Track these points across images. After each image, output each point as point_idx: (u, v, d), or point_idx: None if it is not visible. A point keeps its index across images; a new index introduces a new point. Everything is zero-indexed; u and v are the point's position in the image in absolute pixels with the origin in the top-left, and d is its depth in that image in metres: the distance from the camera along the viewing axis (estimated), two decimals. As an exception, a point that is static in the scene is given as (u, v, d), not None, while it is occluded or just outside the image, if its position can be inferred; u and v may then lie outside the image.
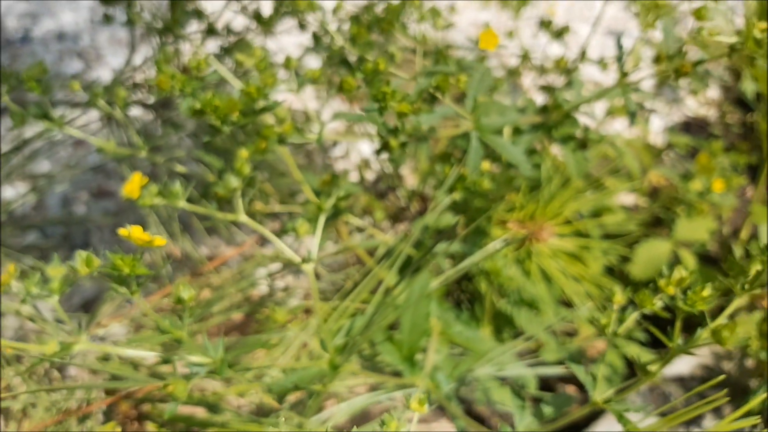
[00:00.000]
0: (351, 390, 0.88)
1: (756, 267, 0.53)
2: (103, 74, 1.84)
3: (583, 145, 0.89)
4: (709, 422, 1.15)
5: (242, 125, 0.63)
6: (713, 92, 2.08)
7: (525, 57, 1.34)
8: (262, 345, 0.60)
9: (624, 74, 0.79)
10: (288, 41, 1.55)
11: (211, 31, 0.90)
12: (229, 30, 0.91)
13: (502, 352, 0.92)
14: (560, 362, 1.27)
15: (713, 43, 0.69)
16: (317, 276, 1.30)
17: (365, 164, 1.44)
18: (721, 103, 1.99)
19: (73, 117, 1.14)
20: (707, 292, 0.48)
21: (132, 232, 0.47)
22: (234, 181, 0.62)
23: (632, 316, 0.55)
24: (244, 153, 0.64)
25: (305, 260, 0.64)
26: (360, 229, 1.08)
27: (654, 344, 1.43)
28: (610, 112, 1.18)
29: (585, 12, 2.41)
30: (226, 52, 0.96)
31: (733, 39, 0.65)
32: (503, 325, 1.18)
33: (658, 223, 1.51)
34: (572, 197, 1.21)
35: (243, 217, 0.64)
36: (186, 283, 0.49)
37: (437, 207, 0.92)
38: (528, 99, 0.95)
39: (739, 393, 1.22)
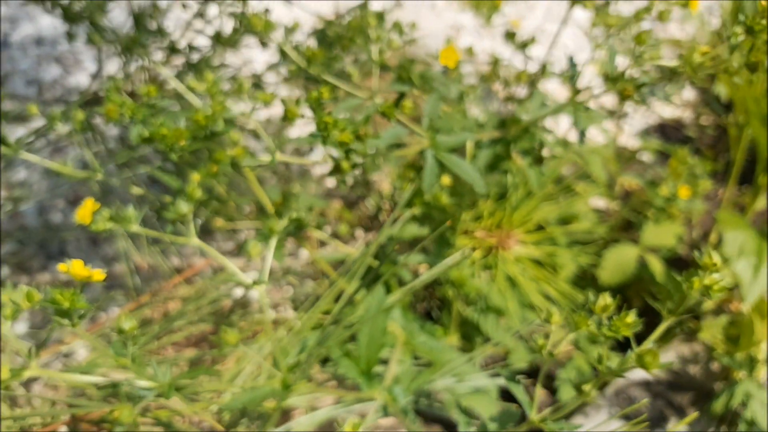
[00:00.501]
0: (315, 401, 0.90)
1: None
2: (81, 80, 1.84)
3: (539, 159, 0.91)
4: (672, 426, 1.17)
5: (193, 151, 0.64)
6: (689, 93, 2.10)
7: (495, 64, 1.36)
8: (206, 371, 0.62)
9: (576, 91, 0.80)
10: (258, 54, 1.56)
11: (173, 50, 0.91)
12: (191, 47, 0.92)
13: (462, 362, 0.94)
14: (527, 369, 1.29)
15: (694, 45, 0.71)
16: (291, 286, 1.31)
17: (340, 171, 1.45)
18: (696, 104, 2.01)
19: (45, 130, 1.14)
20: (631, 318, 0.50)
21: (72, 267, 0.48)
22: (184, 207, 0.63)
23: (568, 337, 0.57)
24: (195, 177, 0.65)
25: (256, 282, 0.65)
26: (329, 240, 1.10)
27: (622, 345, 1.45)
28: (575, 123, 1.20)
29: (564, 14, 2.42)
30: (191, 68, 0.97)
31: (674, 63, 0.67)
32: (472, 333, 1.20)
33: (630, 227, 1.53)
34: (537, 206, 1.22)
35: (195, 241, 0.65)
36: (128, 312, 0.50)
37: (399, 220, 0.94)
38: (489, 112, 0.96)
39: (704, 396, 1.24)
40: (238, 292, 1.40)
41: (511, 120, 0.95)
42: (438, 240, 1.07)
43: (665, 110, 2.04)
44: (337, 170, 0.68)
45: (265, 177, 1.50)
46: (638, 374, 1.24)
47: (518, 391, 0.60)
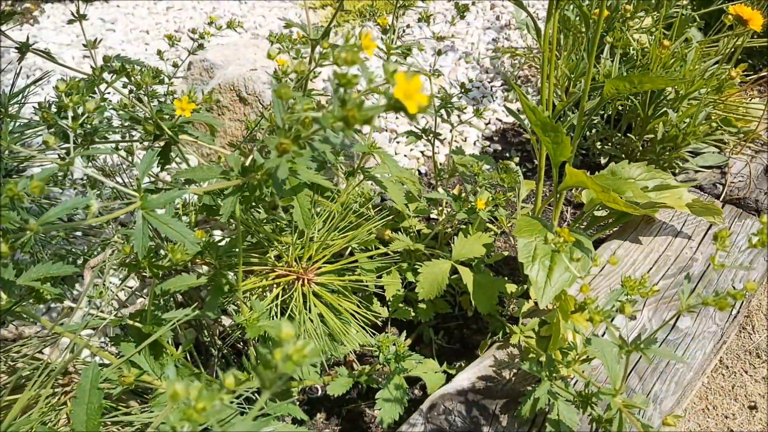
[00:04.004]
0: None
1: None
2: None
3: (273, 205, 0.84)
4: (485, 433, 1.12)
5: None
6: (531, 99, 2.07)
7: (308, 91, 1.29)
8: None
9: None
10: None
11: None
12: None
13: (234, 413, 0.86)
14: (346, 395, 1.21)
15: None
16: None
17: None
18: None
19: None
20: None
21: None
22: None
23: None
24: None
25: None
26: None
27: (457, 353, 1.40)
28: (367, 152, 1.14)
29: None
30: None
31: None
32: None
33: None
34: (332, 236, 1.16)
35: None
36: None
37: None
38: (236, 158, 0.89)
39: (516, 401, 1.19)
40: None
41: (254, 165, 0.87)
42: (214, 288, 0.99)
43: (508, 117, 2.01)
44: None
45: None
46: (455, 384, 1.18)
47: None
